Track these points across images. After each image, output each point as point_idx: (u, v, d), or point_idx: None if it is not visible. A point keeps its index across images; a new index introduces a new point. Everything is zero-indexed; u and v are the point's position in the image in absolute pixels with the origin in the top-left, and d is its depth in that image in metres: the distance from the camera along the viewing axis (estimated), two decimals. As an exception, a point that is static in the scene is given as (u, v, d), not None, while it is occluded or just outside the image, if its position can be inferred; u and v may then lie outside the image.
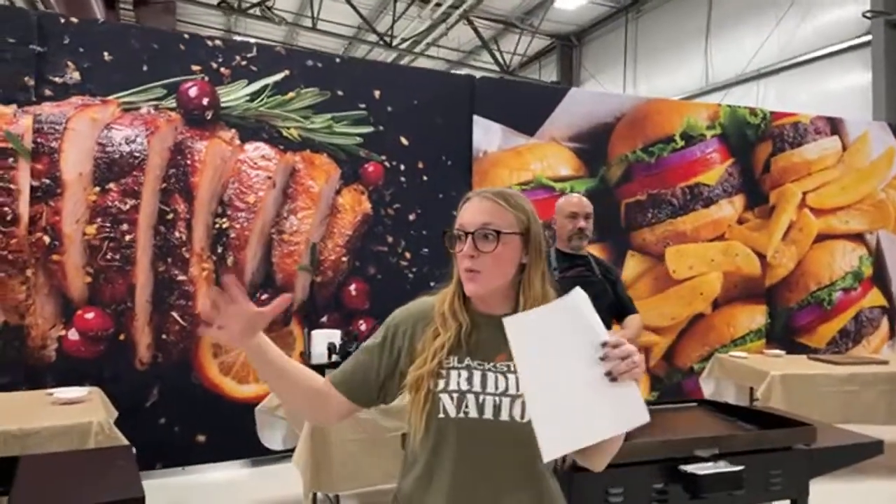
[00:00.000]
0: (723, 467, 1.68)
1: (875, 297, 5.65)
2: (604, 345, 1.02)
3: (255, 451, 3.53)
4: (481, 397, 1.14)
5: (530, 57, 12.30)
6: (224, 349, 3.67)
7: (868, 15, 6.56)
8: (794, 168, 5.33)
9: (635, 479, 1.65)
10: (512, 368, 1.15)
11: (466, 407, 1.13)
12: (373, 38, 11.19)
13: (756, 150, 5.18)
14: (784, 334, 5.25)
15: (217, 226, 3.67)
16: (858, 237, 5.57)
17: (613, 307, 2.65)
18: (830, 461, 1.91)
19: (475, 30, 11.02)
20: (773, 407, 2.99)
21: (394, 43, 11.00)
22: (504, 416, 1.13)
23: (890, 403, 3.79)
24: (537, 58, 12.48)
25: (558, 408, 1.01)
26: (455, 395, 1.14)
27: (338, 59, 4.04)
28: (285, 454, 3.40)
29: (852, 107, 6.84)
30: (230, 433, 3.60)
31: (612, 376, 1.01)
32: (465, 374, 1.16)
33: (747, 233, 5.16)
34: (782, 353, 4.44)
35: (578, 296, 1.06)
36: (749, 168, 5.16)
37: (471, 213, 1.20)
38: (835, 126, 5.48)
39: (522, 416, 1.12)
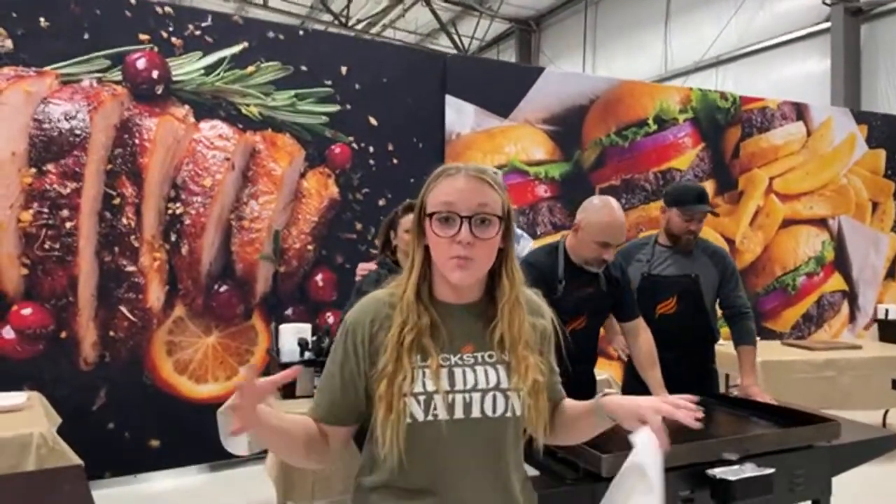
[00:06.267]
0: (753, 470, 1.55)
1: (836, 282, 5.72)
2: None
3: (214, 456, 3.27)
4: (450, 396, 1.08)
5: (489, 41, 12.11)
6: (179, 345, 3.38)
7: (828, 2, 6.62)
8: (761, 153, 5.32)
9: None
10: (480, 360, 1.11)
11: (435, 409, 1.07)
12: (327, 17, 10.79)
13: (726, 135, 5.14)
14: (751, 319, 5.25)
15: (170, 211, 3.36)
16: (822, 222, 5.62)
17: (612, 310, 2.35)
18: (851, 457, 1.81)
19: (433, 11, 10.74)
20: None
21: (349, 23, 10.63)
22: (475, 413, 1.08)
23: (865, 389, 3.80)
24: (496, 42, 12.29)
25: None
26: (422, 398, 1.07)
27: (301, 32, 3.75)
28: (247, 458, 3.16)
29: (809, 94, 6.90)
30: (187, 437, 3.32)
31: None
32: (429, 372, 1.08)
33: (718, 218, 5.12)
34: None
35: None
36: (719, 153, 5.11)
37: (462, 194, 1.09)
38: (800, 112, 5.49)
39: (494, 411, 1.08)
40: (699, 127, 4.99)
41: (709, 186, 5.05)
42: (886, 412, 4.36)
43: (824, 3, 6.69)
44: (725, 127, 5.12)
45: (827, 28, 6.86)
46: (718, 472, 1.54)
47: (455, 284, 1.12)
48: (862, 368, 3.82)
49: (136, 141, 3.28)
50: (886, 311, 4.44)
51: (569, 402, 1.23)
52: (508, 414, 1.10)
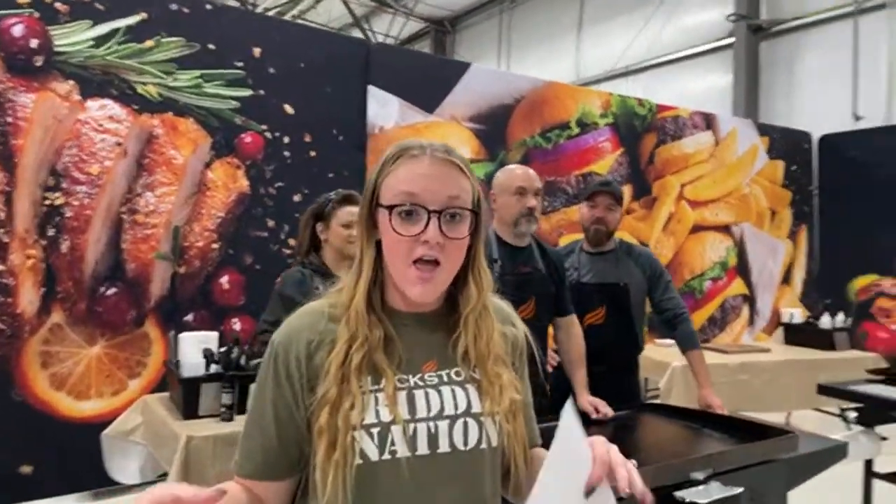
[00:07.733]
0: (721, 491, 1.44)
1: (738, 286, 5.96)
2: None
3: (97, 483, 2.87)
4: (411, 427, 0.88)
5: (403, 40, 11.91)
6: (56, 356, 2.93)
7: (731, 18, 6.92)
8: (673, 160, 5.44)
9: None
10: (445, 379, 0.91)
11: (393, 444, 0.86)
12: (233, 3, 10.19)
13: (643, 141, 5.21)
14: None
15: (48, 202, 2.91)
16: (726, 229, 5.83)
17: (555, 306, 2.26)
18: (806, 470, 1.75)
19: (346, 4, 10.41)
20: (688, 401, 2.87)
21: (256, 11, 10.09)
22: (443, 447, 0.88)
23: (775, 391, 3.92)
24: (410, 41, 12.12)
25: None
26: (376, 431, 0.86)
27: (209, 6, 3.38)
28: (136, 486, 2.78)
29: (713, 106, 7.18)
30: (65, 461, 2.88)
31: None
32: (384, 398, 0.88)
33: (634, 223, 5.18)
34: (672, 342, 4.46)
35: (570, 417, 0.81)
36: (636, 158, 5.17)
37: (429, 182, 0.91)
38: (709, 122, 5.68)
39: (465, 442, 0.89)
40: (618, 132, 5.02)
41: (626, 191, 5.10)
42: (789, 413, 4.54)
43: (728, 19, 6.99)
44: (642, 133, 5.19)
45: (730, 44, 7.19)
46: (687, 494, 1.41)
47: (421, 297, 0.91)
48: (772, 371, 3.94)
49: (9, 119, 2.81)
50: (791, 315, 4.63)
51: (539, 454, 1.00)
52: (483, 445, 0.90)
